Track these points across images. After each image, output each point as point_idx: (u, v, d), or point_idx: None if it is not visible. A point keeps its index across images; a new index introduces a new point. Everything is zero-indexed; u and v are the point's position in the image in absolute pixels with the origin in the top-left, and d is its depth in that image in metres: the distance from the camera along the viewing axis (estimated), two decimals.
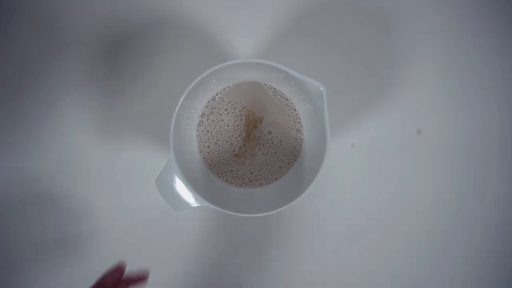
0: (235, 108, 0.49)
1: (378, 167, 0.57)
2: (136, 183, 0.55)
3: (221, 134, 0.49)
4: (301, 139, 0.50)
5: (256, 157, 0.50)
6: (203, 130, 0.49)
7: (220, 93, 0.49)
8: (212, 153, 0.49)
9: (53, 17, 0.59)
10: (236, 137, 0.49)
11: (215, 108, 0.49)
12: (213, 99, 0.49)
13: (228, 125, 0.49)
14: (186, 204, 0.42)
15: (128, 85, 0.59)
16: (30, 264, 0.56)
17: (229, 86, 0.49)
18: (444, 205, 0.57)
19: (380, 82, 0.58)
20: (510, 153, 0.57)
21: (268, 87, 0.49)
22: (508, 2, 0.58)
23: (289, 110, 0.49)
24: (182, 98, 0.41)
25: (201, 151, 0.49)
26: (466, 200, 0.57)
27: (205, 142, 0.49)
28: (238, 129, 0.49)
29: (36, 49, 0.59)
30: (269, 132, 0.49)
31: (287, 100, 0.49)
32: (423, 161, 0.57)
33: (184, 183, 0.42)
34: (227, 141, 0.49)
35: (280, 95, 0.49)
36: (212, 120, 0.49)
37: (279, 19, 0.58)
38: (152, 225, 0.55)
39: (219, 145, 0.49)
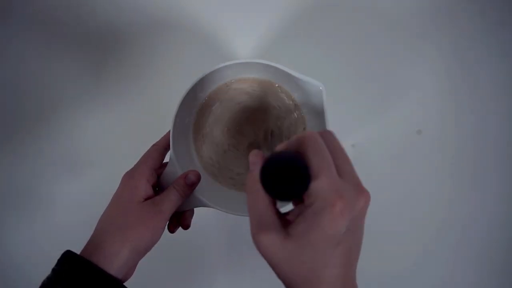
0: (235, 108, 0.49)
1: (378, 167, 0.57)
2: None
3: (220, 134, 0.49)
4: None
5: None
6: (202, 130, 0.49)
7: (219, 92, 0.49)
8: (211, 153, 0.49)
9: (53, 16, 0.59)
10: (235, 137, 0.49)
11: (215, 107, 0.49)
12: (214, 98, 0.49)
13: (227, 125, 0.49)
14: (187, 204, 0.42)
15: (128, 85, 0.59)
16: None
17: (228, 86, 0.48)
18: (444, 204, 0.57)
19: (380, 82, 0.58)
20: (510, 152, 0.57)
21: (268, 88, 0.49)
22: (507, 4, 0.58)
23: (288, 110, 0.49)
24: (182, 98, 0.41)
25: (199, 151, 0.49)
26: (467, 199, 0.57)
27: (205, 142, 0.49)
28: (237, 129, 0.49)
29: (35, 48, 0.59)
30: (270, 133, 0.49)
31: (286, 100, 0.49)
32: (423, 161, 0.57)
33: None
34: (225, 142, 0.49)
35: (280, 96, 0.49)
36: (212, 120, 0.49)
37: (279, 20, 0.58)
38: None
39: (218, 145, 0.49)
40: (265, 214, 0.27)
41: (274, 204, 0.28)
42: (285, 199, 0.26)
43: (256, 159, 0.28)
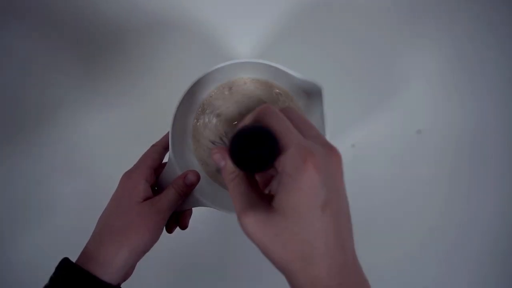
0: (234, 108, 0.49)
1: (378, 167, 0.57)
2: None
3: (219, 134, 0.49)
4: None
5: None
6: (201, 130, 0.49)
7: (218, 92, 0.49)
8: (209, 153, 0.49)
9: (54, 17, 0.59)
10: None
11: (214, 107, 0.49)
12: (212, 98, 0.49)
13: (226, 125, 0.49)
14: (186, 204, 0.42)
15: (128, 86, 0.59)
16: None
17: (228, 86, 0.48)
18: (444, 204, 0.57)
19: (380, 82, 0.58)
20: (510, 152, 0.57)
21: (267, 87, 0.49)
22: (506, 4, 0.58)
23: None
24: (181, 98, 0.41)
25: (199, 151, 0.49)
26: (466, 199, 0.57)
27: (204, 142, 0.49)
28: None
29: (36, 49, 0.59)
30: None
31: (285, 99, 0.49)
32: (423, 161, 0.57)
33: None
34: (224, 141, 0.49)
35: (279, 95, 0.49)
36: (211, 120, 0.49)
37: (278, 20, 0.58)
38: None
39: (217, 145, 0.49)
40: (245, 196, 0.26)
41: (253, 186, 0.28)
42: (258, 168, 0.25)
43: (219, 154, 0.28)
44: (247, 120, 0.28)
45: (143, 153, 0.42)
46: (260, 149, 0.24)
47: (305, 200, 0.24)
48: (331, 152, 0.25)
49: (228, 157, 0.27)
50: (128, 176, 0.39)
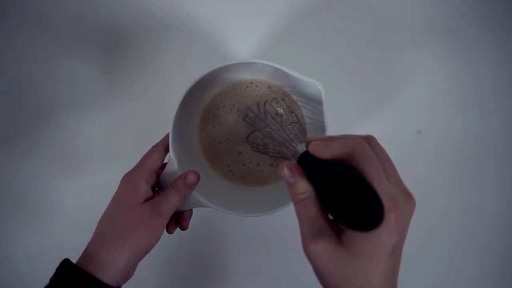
0: (234, 107, 0.49)
1: None
2: None
3: (219, 133, 0.49)
4: None
5: (256, 157, 0.49)
6: (201, 130, 0.49)
7: (219, 92, 0.49)
8: (211, 152, 0.49)
9: (54, 16, 0.59)
10: (235, 137, 0.49)
11: (214, 107, 0.49)
12: (212, 98, 0.49)
13: (226, 124, 0.49)
14: (186, 204, 0.42)
15: (129, 86, 0.59)
16: None
17: (228, 86, 0.48)
18: (444, 204, 0.57)
19: (380, 82, 0.58)
20: (510, 152, 0.57)
21: (267, 87, 0.49)
22: (507, 4, 0.58)
23: (287, 110, 0.49)
24: (182, 98, 0.41)
25: (200, 150, 0.49)
26: (466, 199, 0.57)
27: (204, 141, 0.49)
28: (236, 128, 0.49)
29: (35, 49, 0.59)
30: (269, 132, 0.49)
31: (285, 99, 0.49)
32: (423, 161, 0.57)
33: None
34: (227, 140, 0.49)
35: (279, 95, 0.49)
36: (211, 120, 0.49)
37: (278, 20, 0.58)
38: None
39: (218, 144, 0.49)
40: (316, 222, 0.26)
41: (324, 211, 0.27)
42: (363, 230, 0.24)
43: (289, 172, 0.28)
44: (337, 150, 0.26)
45: (144, 153, 0.42)
46: (369, 212, 0.23)
47: (379, 247, 0.24)
48: (410, 200, 0.26)
49: (298, 175, 0.27)
50: (128, 177, 0.39)
